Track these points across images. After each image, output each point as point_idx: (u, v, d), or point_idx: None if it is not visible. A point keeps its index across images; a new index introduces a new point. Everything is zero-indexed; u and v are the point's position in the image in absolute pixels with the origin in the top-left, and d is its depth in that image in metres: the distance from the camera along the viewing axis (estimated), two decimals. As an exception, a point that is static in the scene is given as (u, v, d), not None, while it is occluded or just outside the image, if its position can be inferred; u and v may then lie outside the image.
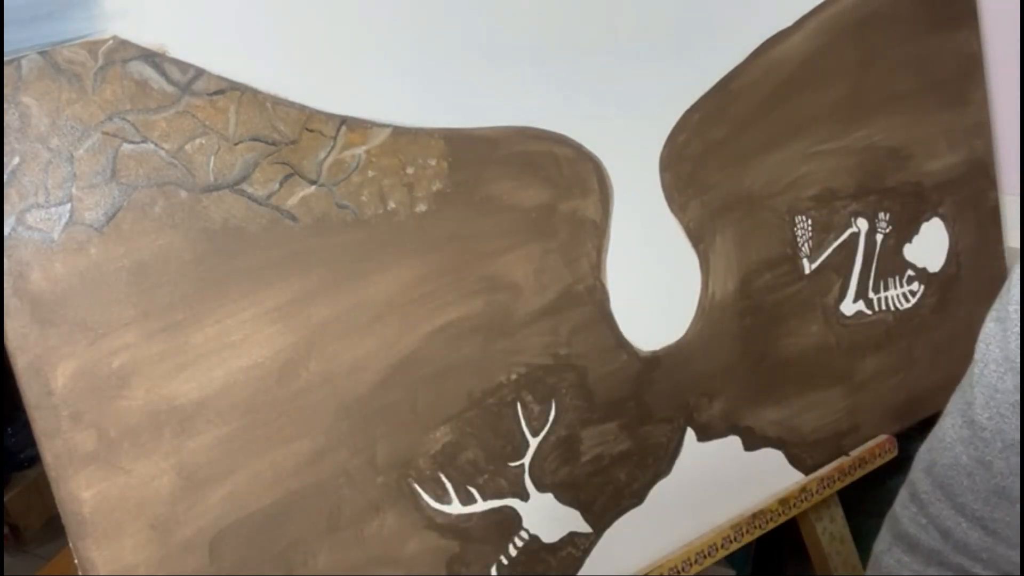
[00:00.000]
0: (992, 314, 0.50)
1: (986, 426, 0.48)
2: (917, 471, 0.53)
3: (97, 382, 0.64)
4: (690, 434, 0.91)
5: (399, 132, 0.73)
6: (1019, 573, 0.48)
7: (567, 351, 0.83)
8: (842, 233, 0.99)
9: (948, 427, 0.51)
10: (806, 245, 0.97)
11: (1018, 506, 0.47)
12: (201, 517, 0.67)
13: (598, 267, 0.84)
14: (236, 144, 0.67)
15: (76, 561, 0.65)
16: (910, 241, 1.05)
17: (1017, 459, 0.46)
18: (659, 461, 0.90)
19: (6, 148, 0.60)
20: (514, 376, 0.80)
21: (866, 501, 1.18)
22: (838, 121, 0.97)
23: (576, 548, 0.85)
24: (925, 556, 0.52)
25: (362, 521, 0.74)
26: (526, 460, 0.82)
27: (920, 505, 0.52)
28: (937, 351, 1.07)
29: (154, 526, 0.66)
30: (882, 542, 0.56)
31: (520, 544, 0.82)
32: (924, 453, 0.53)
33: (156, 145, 0.64)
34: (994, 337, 0.48)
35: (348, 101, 0.71)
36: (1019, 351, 0.47)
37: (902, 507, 0.54)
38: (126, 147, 0.64)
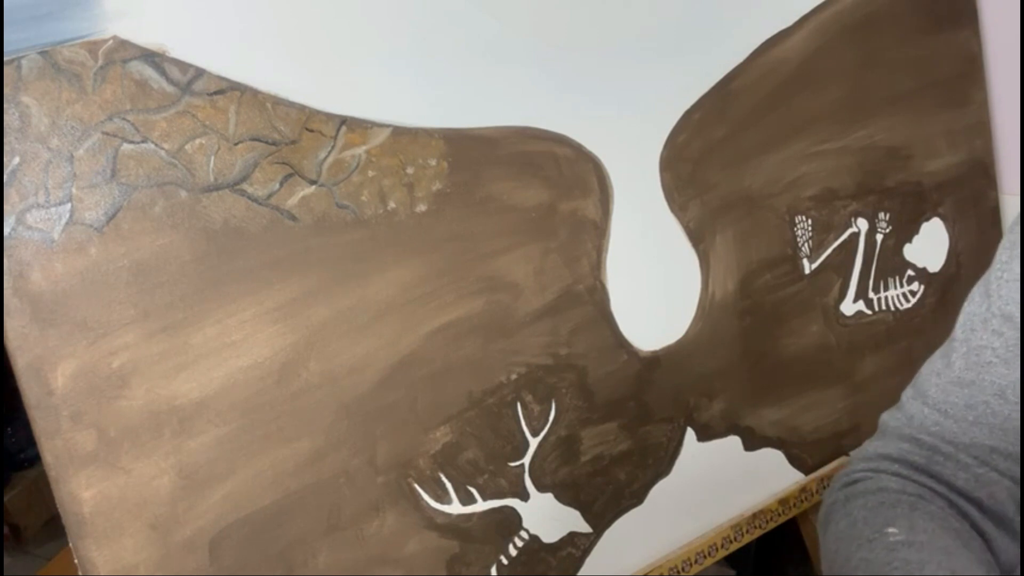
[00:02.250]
0: (979, 287, 0.59)
1: (957, 337, 0.58)
2: (907, 388, 0.63)
3: (97, 382, 0.64)
4: (690, 434, 0.91)
5: (399, 132, 0.73)
6: (959, 440, 0.57)
7: (567, 351, 0.83)
8: (842, 233, 0.99)
9: (935, 355, 0.62)
10: (806, 245, 0.97)
11: (967, 389, 0.57)
12: (201, 517, 0.67)
13: (598, 267, 0.84)
14: (236, 144, 0.67)
15: (76, 561, 0.65)
16: (910, 241, 1.05)
17: (976, 358, 0.57)
18: (659, 461, 0.90)
19: (6, 148, 0.60)
20: (514, 376, 0.80)
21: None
22: (838, 121, 0.97)
23: (576, 548, 0.85)
24: (888, 435, 0.62)
25: (362, 521, 0.74)
26: (526, 460, 0.82)
27: (900, 406, 0.62)
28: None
29: (154, 526, 0.66)
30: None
31: (520, 544, 0.82)
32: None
33: (156, 145, 0.64)
34: (983, 280, 0.58)
35: (348, 101, 0.71)
36: (1002, 280, 0.56)
37: (887, 412, 0.64)
38: (126, 147, 0.64)
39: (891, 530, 0.54)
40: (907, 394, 0.62)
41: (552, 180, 0.81)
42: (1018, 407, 0.54)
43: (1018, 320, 0.54)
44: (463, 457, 0.78)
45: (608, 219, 0.84)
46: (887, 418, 0.63)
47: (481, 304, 0.78)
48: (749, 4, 0.90)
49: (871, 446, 0.63)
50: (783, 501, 0.97)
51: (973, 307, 0.58)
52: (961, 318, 0.59)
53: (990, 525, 0.56)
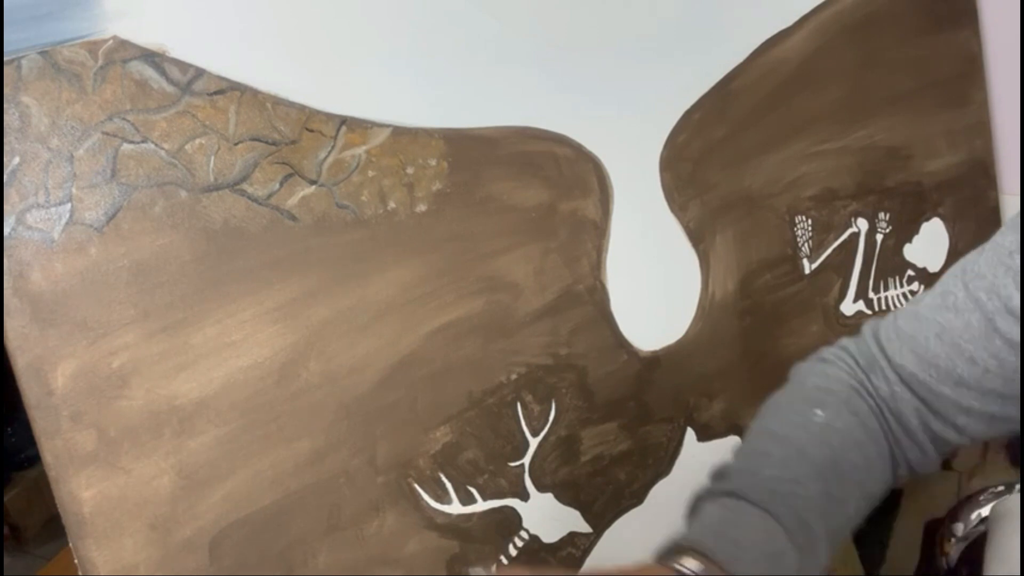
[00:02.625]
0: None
1: (935, 290, 0.65)
2: None
3: (97, 382, 0.64)
4: (690, 434, 0.91)
5: (399, 132, 0.73)
6: (893, 357, 0.64)
7: (567, 351, 0.83)
8: (842, 233, 0.99)
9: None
10: (806, 245, 0.97)
11: (918, 322, 0.63)
12: (201, 517, 0.67)
13: (598, 267, 0.84)
14: (236, 144, 0.67)
15: (76, 561, 0.65)
16: (910, 241, 1.05)
17: (940, 300, 0.63)
18: (659, 461, 0.90)
19: (6, 148, 0.60)
20: (514, 376, 0.80)
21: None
22: (838, 121, 0.97)
23: (576, 548, 0.85)
24: (859, 334, 0.69)
25: (362, 521, 0.74)
26: (526, 460, 0.82)
27: (887, 316, 0.69)
28: (937, 351, 1.07)
29: (154, 526, 0.66)
30: None
31: (520, 544, 0.82)
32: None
33: (156, 145, 0.64)
34: (976, 251, 0.64)
35: (348, 101, 0.71)
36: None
37: (874, 319, 0.71)
38: (126, 147, 0.64)
39: (819, 412, 0.65)
40: (894, 310, 0.70)
41: (552, 180, 0.81)
42: (946, 350, 0.61)
43: (984, 280, 0.60)
44: (463, 457, 0.78)
45: (608, 219, 0.84)
46: (866, 322, 0.71)
47: (481, 304, 0.78)
48: (749, 4, 0.90)
49: (844, 339, 0.71)
50: (783, 501, 0.97)
51: (961, 261, 0.65)
52: (952, 266, 0.66)
53: (900, 432, 0.64)
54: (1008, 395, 0.59)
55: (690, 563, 0.58)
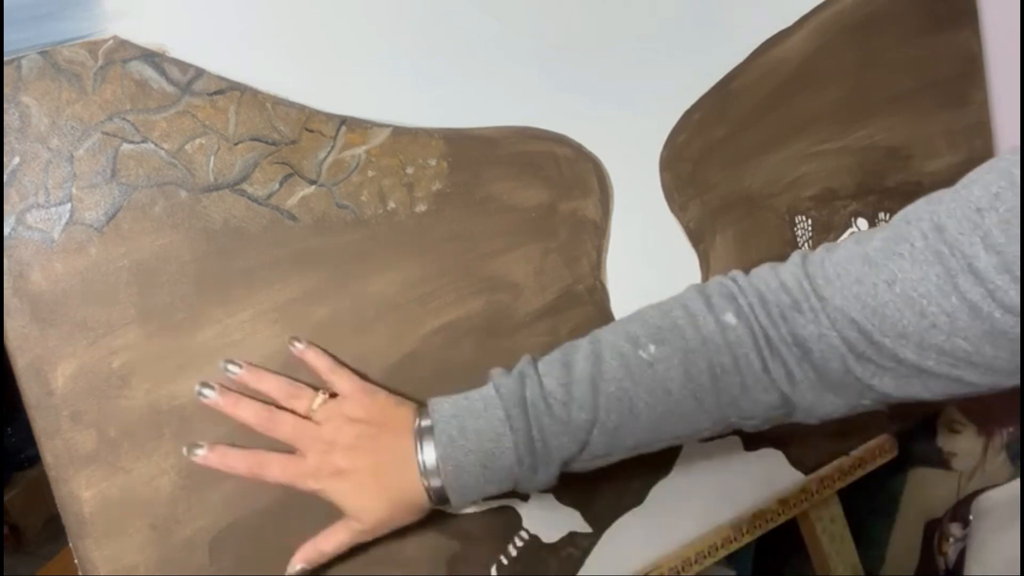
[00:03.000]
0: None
1: (891, 222, 0.62)
2: None
3: (97, 382, 0.64)
4: (690, 434, 0.91)
5: (399, 132, 0.73)
6: (825, 300, 0.62)
7: (567, 351, 0.83)
8: (842, 233, 0.99)
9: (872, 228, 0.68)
10: (806, 245, 0.97)
11: (867, 267, 0.60)
12: (201, 517, 0.67)
13: (598, 267, 0.84)
14: (236, 144, 0.67)
15: (76, 561, 0.65)
16: (910, 241, 1.04)
17: (893, 247, 0.59)
18: (659, 461, 0.90)
19: (6, 148, 0.60)
20: (514, 376, 0.80)
21: (866, 501, 1.18)
22: (838, 121, 0.97)
23: (576, 548, 0.85)
24: (785, 263, 0.67)
25: (362, 521, 0.74)
26: (526, 460, 0.82)
27: (816, 250, 0.67)
28: (937, 351, 1.07)
29: (154, 526, 0.66)
30: None
31: (520, 544, 0.82)
32: None
33: (156, 145, 0.64)
34: (936, 194, 0.61)
35: (348, 101, 0.71)
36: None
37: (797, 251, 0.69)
38: (126, 147, 0.64)
39: (651, 347, 0.64)
40: (825, 244, 0.66)
41: (552, 180, 0.81)
42: (897, 300, 0.58)
43: (947, 233, 0.57)
44: (463, 457, 0.78)
45: (608, 219, 0.84)
46: (796, 252, 0.67)
47: (481, 304, 0.78)
48: (749, 4, 0.90)
49: (761, 269, 0.68)
50: (783, 501, 0.97)
51: (920, 204, 0.60)
52: (907, 208, 0.62)
53: (807, 370, 0.63)
54: (946, 351, 0.57)
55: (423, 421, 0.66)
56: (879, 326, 0.59)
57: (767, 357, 0.64)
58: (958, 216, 0.56)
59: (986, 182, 0.56)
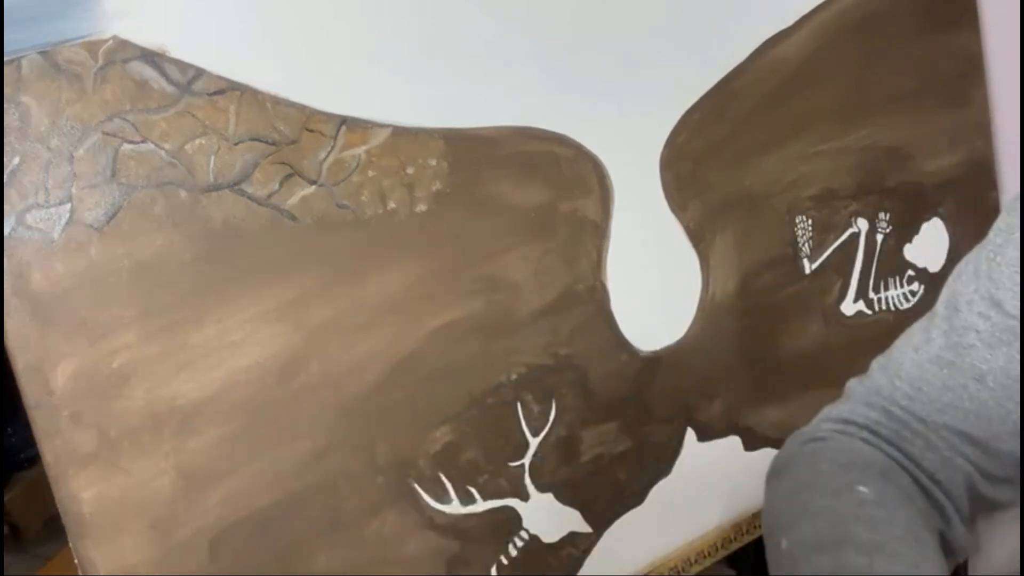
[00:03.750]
0: (978, 246, 0.59)
1: (939, 313, 0.57)
2: (876, 359, 0.62)
3: (97, 382, 0.64)
4: (690, 434, 0.91)
5: (399, 132, 0.73)
6: (931, 420, 0.56)
7: (567, 351, 0.83)
8: (842, 233, 0.99)
9: (913, 328, 0.61)
10: (806, 245, 0.97)
11: (946, 369, 0.55)
12: (201, 517, 0.67)
13: (598, 267, 0.84)
14: (236, 144, 0.67)
15: (76, 561, 0.65)
16: (910, 241, 1.05)
17: (958, 338, 0.55)
18: (659, 461, 0.90)
19: (6, 148, 0.60)
20: (514, 376, 0.80)
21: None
22: (838, 121, 0.97)
23: (576, 548, 0.85)
24: (855, 400, 0.61)
25: (362, 521, 0.74)
26: (526, 460, 0.82)
27: (867, 375, 0.62)
28: (937, 351, 1.07)
29: (154, 526, 0.66)
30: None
31: (520, 544, 0.82)
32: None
33: (156, 145, 0.64)
34: (972, 259, 0.57)
35: (348, 101, 0.71)
36: (993, 263, 0.55)
37: (851, 381, 0.63)
38: (126, 147, 0.64)
39: (861, 488, 0.53)
40: (878, 363, 0.61)
41: (552, 180, 0.81)
42: (996, 394, 0.52)
43: (1006, 306, 0.53)
44: (463, 457, 0.78)
45: (608, 219, 0.84)
46: (854, 384, 0.62)
47: (481, 304, 0.78)
48: (749, 4, 0.90)
49: (835, 409, 0.61)
50: (783, 501, 0.97)
51: (960, 285, 0.56)
52: (945, 293, 0.58)
53: (951, 509, 0.55)
54: None
55: None
56: (987, 428, 0.53)
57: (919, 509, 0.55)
58: (1006, 284, 0.53)
59: (1016, 240, 0.54)
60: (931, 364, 0.56)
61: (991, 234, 0.57)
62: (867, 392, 0.60)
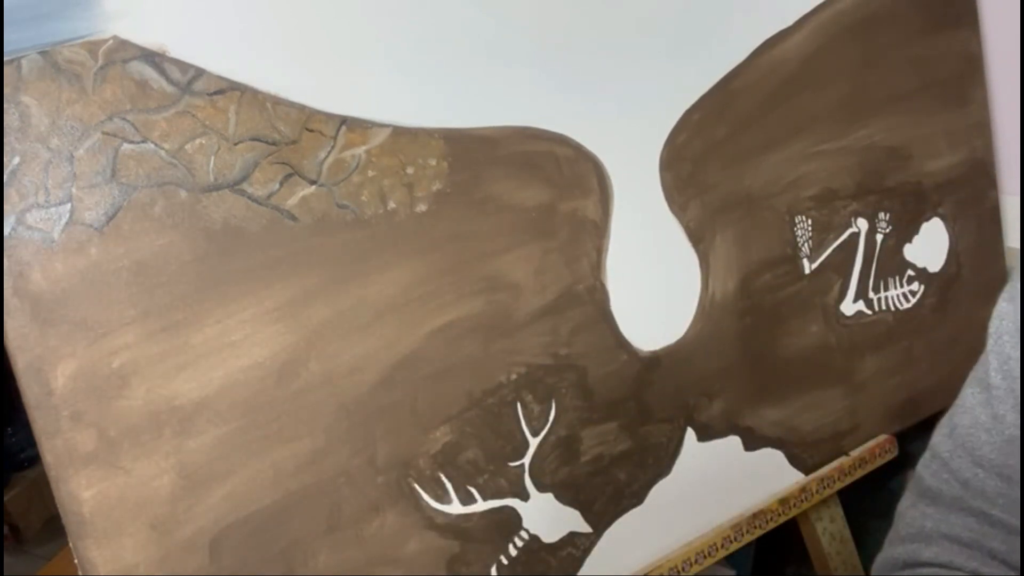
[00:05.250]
0: (1004, 295, 0.55)
1: (1000, 386, 0.54)
2: (938, 436, 0.59)
3: (97, 382, 0.64)
4: (690, 434, 0.91)
5: (399, 132, 0.73)
6: None
7: (567, 351, 0.83)
8: (842, 233, 0.99)
9: (967, 395, 0.57)
10: (806, 245, 0.97)
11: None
12: (201, 517, 0.67)
13: (598, 267, 0.84)
14: (236, 144, 0.67)
15: (76, 561, 0.65)
16: (910, 241, 1.05)
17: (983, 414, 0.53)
18: (659, 461, 0.90)
19: (6, 148, 0.60)
20: (514, 376, 0.80)
21: (866, 501, 1.18)
22: (838, 121, 0.97)
23: (576, 548, 0.85)
24: (947, 505, 0.57)
25: (362, 521, 0.74)
26: (526, 460, 0.82)
27: (942, 462, 0.57)
28: (937, 351, 1.07)
29: (154, 526, 0.66)
30: (906, 501, 0.61)
31: (520, 544, 0.82)
32: (945, 420, 0.59)
33: (156, 145, 0.64)
34: (1007, 314, 0.54)
35: (348, 101, 0.71)
36: None
37: (924, 467, 0.59)
38: (126, 147, 0.64)
39: None
40: (946, 448, 0.57)
41: (552, 180, 0.81)
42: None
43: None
44: (463, 457, 0.78)
45: (608, 219, 0.84)
46: (932, 479, 0.58)
47: (481, 304, 0.78)
48: (749, 4, 0.90)
49: (927, 519, 0.58)
50: (783, 501, 0.97)
51: (1007, 348, 0.53)
52: (995, 359, 0.54)
53: None
54: None
55: None
56: None
57: None
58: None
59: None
60: (1009, 445, 0.53)
61: (1017, 286, 0.54)
62: (952, 490, 0.56)
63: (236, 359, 0.68)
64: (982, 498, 0.55)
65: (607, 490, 0.87)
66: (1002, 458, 0.53)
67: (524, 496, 0.82)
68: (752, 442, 0.95)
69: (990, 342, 0.55)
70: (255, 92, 0.67)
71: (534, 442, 0.82)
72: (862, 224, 1.01)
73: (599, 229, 0.84)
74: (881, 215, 1.02)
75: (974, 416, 0.56)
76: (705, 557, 0.92)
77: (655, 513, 0.89)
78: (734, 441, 0.94)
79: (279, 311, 0.69)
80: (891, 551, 0.59)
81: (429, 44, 0.74)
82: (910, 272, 1.05)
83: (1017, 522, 0.53)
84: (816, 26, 0.94)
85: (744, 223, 0.92)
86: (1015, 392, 0.53)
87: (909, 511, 0.60)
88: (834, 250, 0.99)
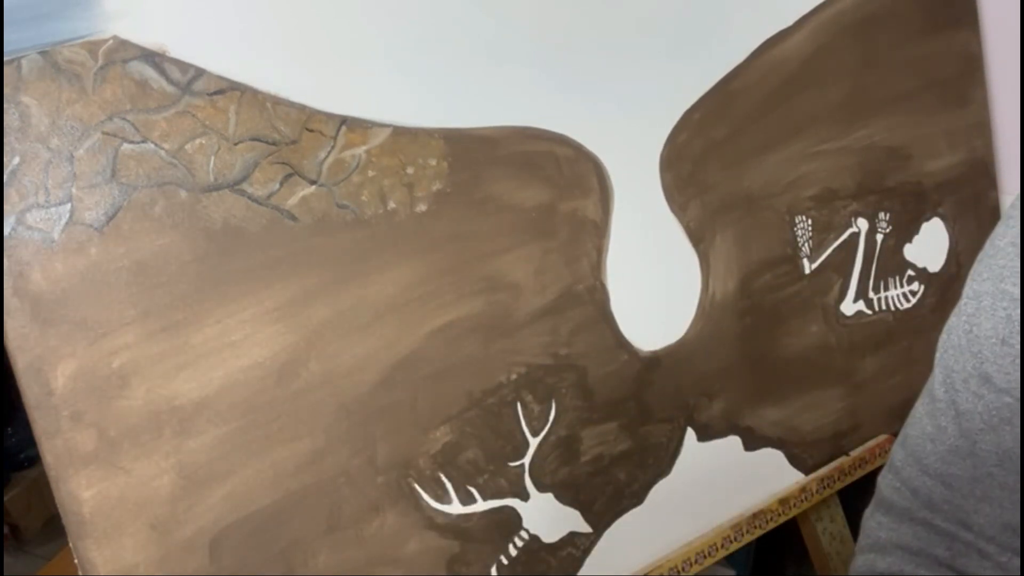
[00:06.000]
0: (955, 310, 0.57)
1: (942, 398, 0.55)
2: (895, 445, 0.61)
3: (97, 382, 0.64)
4: (690, 434, 0.91)
5: (399, 132, 0.73)
6: (972, 521, 0.54)
7: (567, 351, 0.83)
8: (842, 233, 0.99)
9: (918, 406, 0.59)
10: (806, 245, 0.97)
11: (967, 460, 0.54)
12: (201, 517, 0.67)
13: (598, 267, 0.84)
14: (236, 144, 0.67)
15: (76, 561, 0.65)
16: (910, 241, 1.05)
17: (968, 424, 0.53)
18: (659, 461, 0.90)
19: (6, 148, 0.60)
20: (514, 376, 0.80)
21: (866, 501, 1.18)
22: (838, 121, 0.97)
23: (576, 548, 0.85)
24: (898, 515, 0.59)
25: (362, 521, 0.74)
26: (526, 460, 0.82)
27: (895, 472, 0.60)
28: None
29: (154, 526, 0.66)
30: (867, 511, 0.63)
31: (520, 544, 0.82)
32: (902, 430, 0.61)
33: (156, 145, 0.64)
34: (954, 328, 0.56)
35: (348, 101, 0.71)
36: (971, 335, 0.54)
37: (882, 477, 0.61)
38: (126, 147, 0.64)
39: None
40: (899, 457, 0.59)
41: (552, 180, 0.81)
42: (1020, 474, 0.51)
43: (996, 381, 0.52)
44: (463, 457, 0.78)
45: (608, 219, 0.84)
46: (887, 489, 0.60)
47: (481, 304, 0.78)
48: (749, 4, 0.90)
49: (882, 528, 0.59)
50: (783, 501, 0.97)
51: (951, 361, 0.55)
52: (939, 371, 0.56)
53: None
54: None
55: None
56: None
57: None
58: (989, 356, 0.52)
59: (987, 308, 0.53)
60: (952, 455, 0.54)
61: (962, 301, 0.55)
62: (903, 500, 0.58)
63: (236, 359, 0.68)
64: (928, 508, 0.57)
65: (607, 490, 0.87)
66: (945, 467, 0.55)
67: (524, 496, 0.82)
68: (752, 442, 0.95)
69: (937, 355, 0.57)
70: (255, 92, 0.67)
71: (534, 442, 0.82)
72: (862, 224, 1.01)
73: (599, 229, 0.84)
74: (881, 215, 1.02)
75: (922, 426, 0.57)
76: (705, 557, 0.92)
77: (655, 513, 0.89)
78: (734, 441, 0.94)
79: (279, 311, 0.69)
80: (854, 562, 0.61)
81: (429, 44, 0.74)
82: (910, 272, 1.05)
83: (960, 530, 0.55)
84: (816, 26, 0.94)
85: (744, 223, 0.92)
86: (955, 404, 0.54)
87: (867, 521, 0.62)
88: (834, 250, 0.99)
